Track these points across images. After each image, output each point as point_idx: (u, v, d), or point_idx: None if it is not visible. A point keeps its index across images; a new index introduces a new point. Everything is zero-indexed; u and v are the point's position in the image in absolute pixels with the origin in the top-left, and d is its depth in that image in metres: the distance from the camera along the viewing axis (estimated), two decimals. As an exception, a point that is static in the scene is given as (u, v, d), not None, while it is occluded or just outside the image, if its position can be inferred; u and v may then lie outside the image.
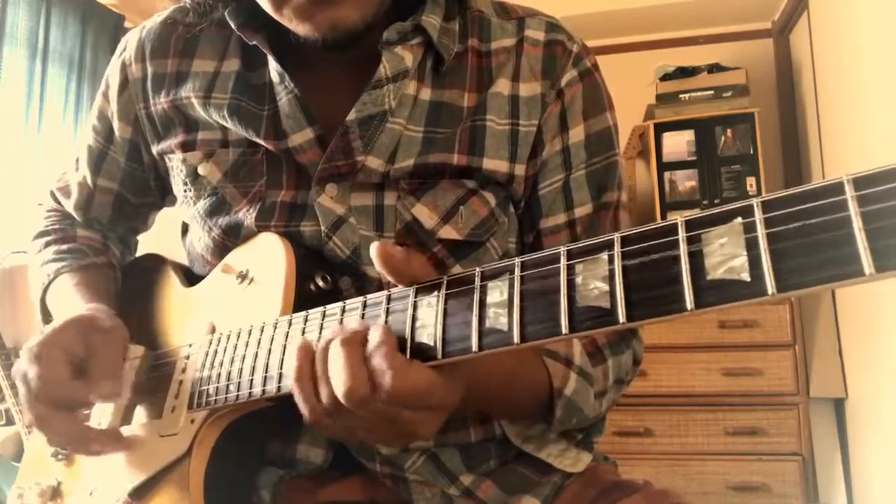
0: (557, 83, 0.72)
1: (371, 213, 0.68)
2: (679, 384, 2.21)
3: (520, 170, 0.70)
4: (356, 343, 0.47)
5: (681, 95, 2.50)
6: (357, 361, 0.46)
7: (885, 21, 1.79)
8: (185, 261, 0.84)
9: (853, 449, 2.16)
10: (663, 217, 2.42)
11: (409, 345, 0.47)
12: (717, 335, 2.21)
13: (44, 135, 2.52)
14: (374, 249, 0.48)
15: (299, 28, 0.65)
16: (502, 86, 0.71)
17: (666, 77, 2.57)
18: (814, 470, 2.14)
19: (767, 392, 2.15)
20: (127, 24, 3.01)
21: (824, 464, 2.19)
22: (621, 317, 0.36)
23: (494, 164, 0.69)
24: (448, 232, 0.68)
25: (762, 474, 2.12)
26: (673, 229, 0.35)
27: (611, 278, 0.37)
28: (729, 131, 2.46)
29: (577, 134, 0.73)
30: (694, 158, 2.44)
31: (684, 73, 2.55)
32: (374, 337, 0.47)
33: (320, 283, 0.64)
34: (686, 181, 2.45)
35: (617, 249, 0.37)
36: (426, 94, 0.70)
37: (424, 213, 0.68)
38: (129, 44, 0.79)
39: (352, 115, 0.66)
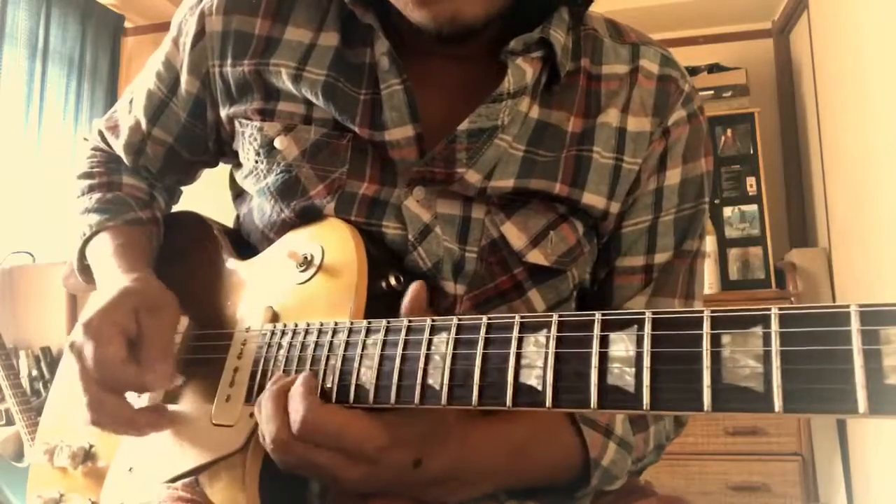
0: (665, 121, 0.69)
1: (457, 223, 0.65)
2: (679, 384, 2.21)
3: (615, 207, 0.67)
4: (282, 394, 0.53)
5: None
6: (278, 409, 0.52)
7: (886, 21, 1.79)
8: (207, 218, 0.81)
9: (853, 449, 2.16)
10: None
11: (329, 388, 0.52)
12: (717, 335, 2.20)
13: (44, 135, 2.52)
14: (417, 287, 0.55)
15: (414, 14, 0.60)
16: (612, 116, 0.68)
17: (666, 77, 2.57)
18: (814, 470, 2.14)
19: (767, 392, 2.15)
20: (127, 24, 3.01)
21: (824, 464, 2.19)
22: (645, 403, 0.37)
23: (594, 199, 0.66)
24: (536, 256, 0.65)
25: (762, 474, 2.12)
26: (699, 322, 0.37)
27: (638, 360, 0.38)
28: (729, 131, 2.47)
29: (673, 176, 0.70)
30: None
31: (684, 73, 2.55)
32: (296, 383, 0.52)
33: (392, 283, 0.60)
34: (686, 181, 2.45)
35: (647, 331, 0.38)
36: (535, 111, 0.66)
37: (513, 233, 0.65)
38: None
39: (464, 126, 0.63)
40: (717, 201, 2.46)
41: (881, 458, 1.95)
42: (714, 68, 2.54)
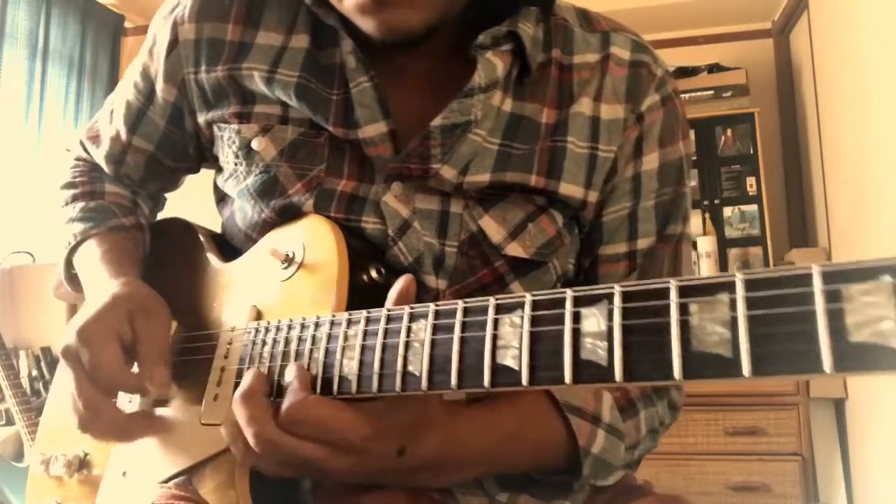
0: (638, 107, 0.69)
1: (435, 218, 0.66)
2: (679, 384, 2.21)
3: (593, 196, 0.68)
4: (249, 395, 0.53)
5: (681, 95, 2.51)
6: (257, 410, 0.52)
7: (886, 21, 1.79)
8: (188, 222, 0.81)
9: (853, 449, 2.16)
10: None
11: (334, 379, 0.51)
12: (717, 335, 2.20)
13: (44, 135, 2.52)
14: (405, 281, 0.53)
15: (359, 23, 0.62)
16: (585, 105, 0.68)
17: (666, 77, 2.58)
18: (814, 470, 2.14)
19: (767, 392, 2.15)
20: (127, 24, 3.01)
21: (824, 464, 2.19)
22: (618, 376, 0.37)
23: (570, 189, 0.66)
24: (515, 249, 0.66)
25: (762, 474, 2.12)
26: (666, 293, 0.37)
27: (609, 334, 0.38)
28: (729, 131, 2.47)
29: (650, 161, 0.70)
30: (694, 158, 2.45)
31: (684, 73, 2.55)
32: (291, 375, 0.53)
33: (374, 275, 0.61)
34: (686, 181, 2.46)
35: (617, 304, 0.38)
36: (507, 105, 0.67)
37: (492, 227, 0.66)
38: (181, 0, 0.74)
39: (437, 122, 0.63)
40: (717, 201, 2.46)
41: (881, 459, 1.95)
42: (714, 68, 2.54)
